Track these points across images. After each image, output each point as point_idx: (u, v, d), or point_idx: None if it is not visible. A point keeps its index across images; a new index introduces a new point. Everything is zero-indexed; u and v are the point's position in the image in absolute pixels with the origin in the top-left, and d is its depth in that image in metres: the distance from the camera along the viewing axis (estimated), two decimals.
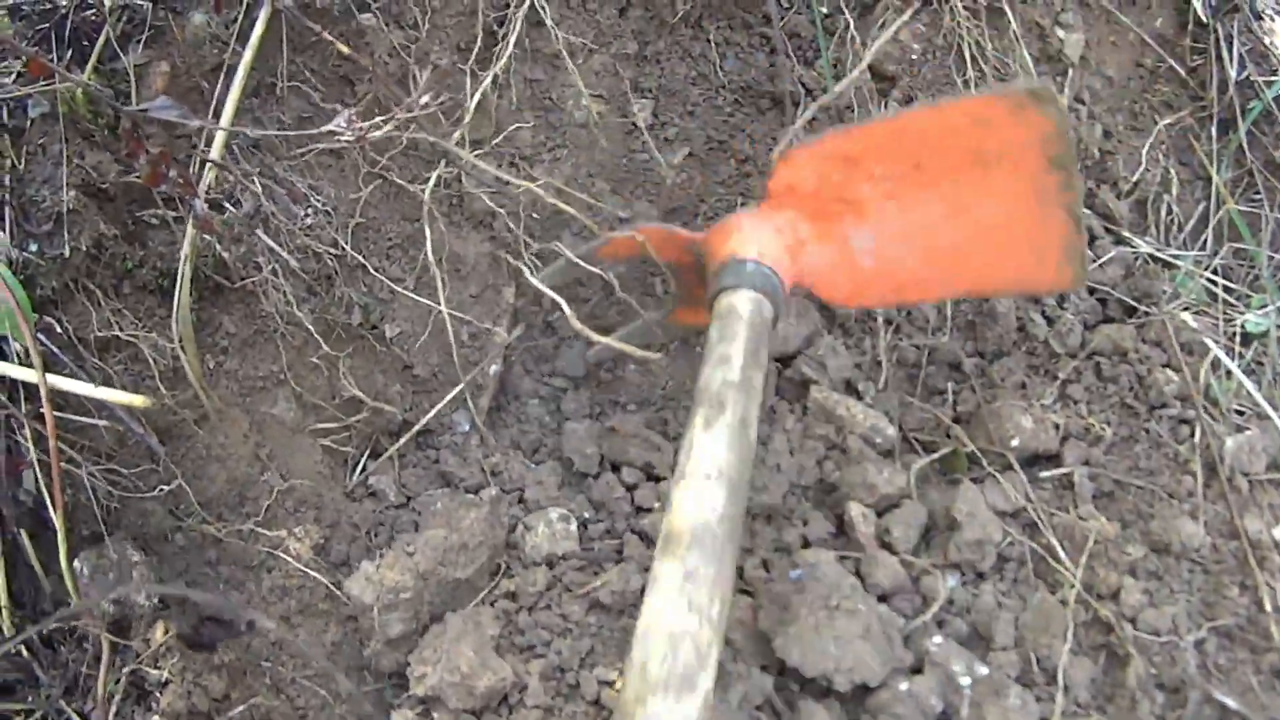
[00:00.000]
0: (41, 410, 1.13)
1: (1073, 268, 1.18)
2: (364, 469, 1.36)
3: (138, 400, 1.13)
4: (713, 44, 1.42)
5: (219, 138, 1.21)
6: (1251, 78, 1.43)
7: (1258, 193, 1.46)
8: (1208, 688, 1.22)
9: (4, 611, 1.19)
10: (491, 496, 1.30)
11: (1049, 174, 1.13)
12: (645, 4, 1.41)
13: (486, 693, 1.19)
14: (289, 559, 1.27)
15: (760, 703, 1.20)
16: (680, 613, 0.97)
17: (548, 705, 1.21)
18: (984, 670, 1.22)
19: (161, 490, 1.25)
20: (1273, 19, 1.43)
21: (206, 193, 1.19)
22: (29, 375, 1.13)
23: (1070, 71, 1.43)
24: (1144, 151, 1.44)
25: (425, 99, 1.11)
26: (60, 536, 1.15)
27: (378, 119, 1.06)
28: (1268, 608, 1.25)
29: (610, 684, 1.23)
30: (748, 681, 1.19)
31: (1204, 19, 1.44)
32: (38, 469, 1.19)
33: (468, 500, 1.30)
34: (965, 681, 1.21)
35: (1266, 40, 1.43)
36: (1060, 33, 1.42)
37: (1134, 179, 1.43)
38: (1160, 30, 1.47)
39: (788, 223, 1.17)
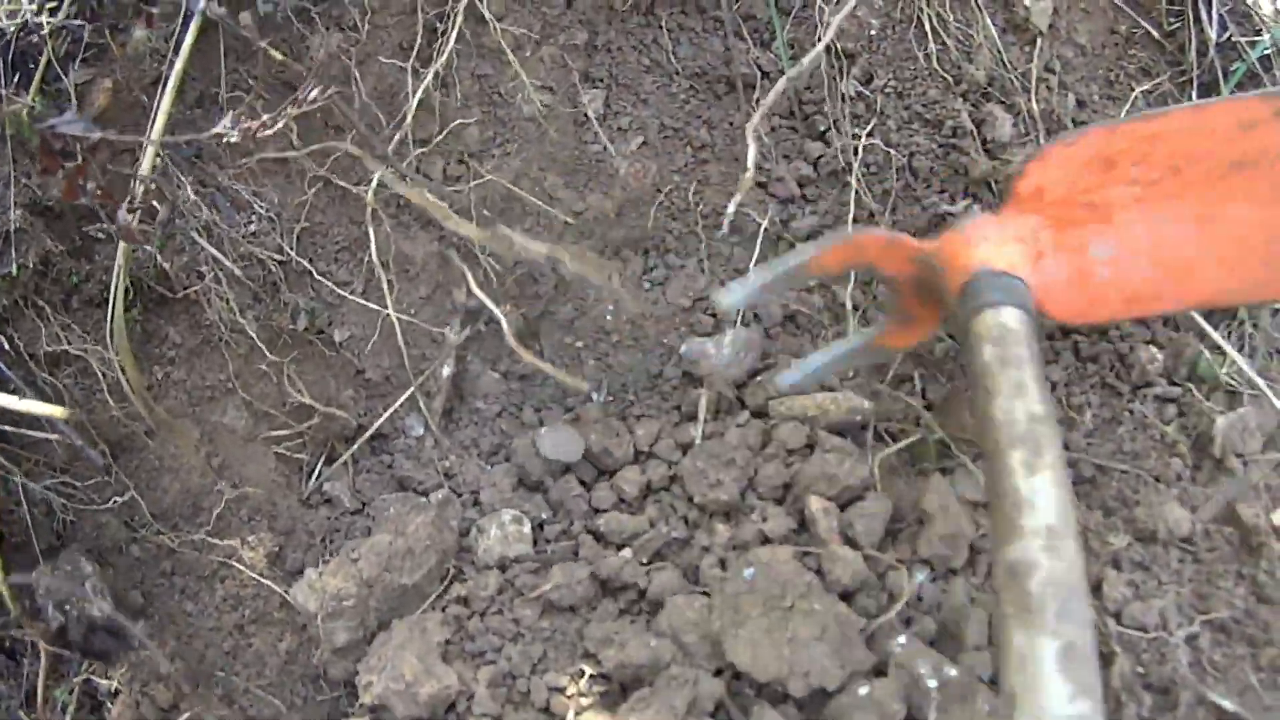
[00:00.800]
0: None
1: None
2: (318, 475, 1.28)
3: (57, 411, 1.08)
4: (665, 30, 1.32)
5: (149, 151, 1.14)
6: (1233, 39, 1.27)
7: None
8: (1201, 688, 1.07)
9: None
10: (439, 499, 1.21)
11: None
12: None
13: (431, 700, 1.10)
14: (242, 568, 1.20)
15: (713, 708, 1.08)
16: (1070, 700, 0.82)
17: (496, 713, 1.11)
18: (952, 672, 1.07)
19: (115, 502, 1.19)
20: None
21: (135, 203, 1.12)
22: None
23: (1038, 40, 1.29)
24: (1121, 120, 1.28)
25: (314, 93, 1.02)
26: None
27: (265, 117, 0.98)
28: (1267, 599, 1.09)
29: (561, 690, 1.12)
30: (697, 686, 1.07)
31: None
32: None
33: (416, 504, 1.21)
34: (932, 684, 1.07)
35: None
36: (1027, 1, 1.27)
37: None
38: None
39: (1030, 231, 1.03)
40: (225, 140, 1.00)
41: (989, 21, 1.27)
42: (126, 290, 1.16)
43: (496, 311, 1.20)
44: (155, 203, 1.14)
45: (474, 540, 1.22)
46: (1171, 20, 1.30)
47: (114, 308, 1.14)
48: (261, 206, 1.23)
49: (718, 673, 1.10)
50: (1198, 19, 1.28)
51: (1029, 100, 1.27)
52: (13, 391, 1.15)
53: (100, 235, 1.19)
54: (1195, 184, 1.01)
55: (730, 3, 1.29)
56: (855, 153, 1.26)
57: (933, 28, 1.27)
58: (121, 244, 1.13)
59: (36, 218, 1.16)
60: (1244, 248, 1.03)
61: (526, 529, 1.21)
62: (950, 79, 1.27)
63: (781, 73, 1.31)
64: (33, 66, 1.18)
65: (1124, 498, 1.14)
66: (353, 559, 1.16)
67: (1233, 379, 1.18)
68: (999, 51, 1.27)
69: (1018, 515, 0.88)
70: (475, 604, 1.18)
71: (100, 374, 1.18)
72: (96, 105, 1.19)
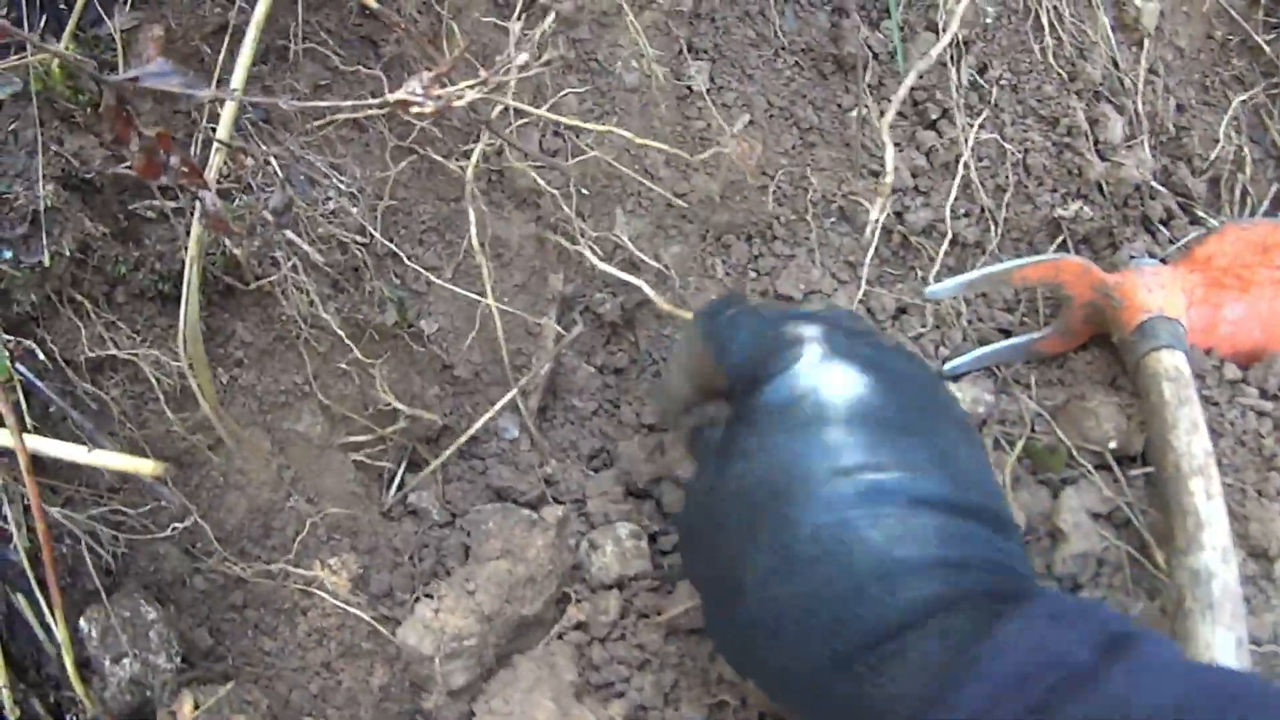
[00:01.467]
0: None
1: None
2: (401, 485, 1.06)
3: (147, 468, 0.80)
4: (771, 1, 1.13)
5: (228, 111, 0.87)
6: None
7: None
8: None
9: (4, 691, 0.87)
10: (558, 517, 1.02)
11: None
12: None
13: None
14: (325, 595, 0.98)
15: None
16: None
17: None
18: None
19: (175, 529, 0.93)
20: None
21: (215, 182, 0.86)
22: (4, 438, 0.80)
23: (1146, 42, 1.18)
24: (1220, 128, 1.20)
25: (524, 57, 0.79)
26: (59, 621, 0.84)
27: (464, 85, 0.75)
28: None
29: None
30: None
31: None
32: (24, 525, 0.87)
33: (527, 520, 1.01)
34: None
35: None
36: (1138, 1, 1.16)
37: (1210, 157, 1.20)
38: (1232, 1, 1.23)
39: (1191, 286, 1.11)
40: (416, 110, 0.75)
41: (1104, 18, 1.15)
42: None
43: (637, 280, 1.04)
44: (251, 181, 0.88)
45: (585, 557, 1.04)
46: (1269, 32, 1.22)
47: (188, 310, 0.87)
48: (341, 181, 0.98)
49: None
50: None
51: (1136, 102, 1.16)
52: (51, 413, 0.87)
53: (149, 214, 0.91)
54: None
55: None
56: (969, 144, 1.13)
57: (1049, 22, 1.14)
58: (195, 233, 0.87)
59: (72, 193, 0.88)
60: None
61: (644, 544, 1.04)
62: (1065, 75, 1.14)
63: (891, 54, 1.15)
64: (65, 8, 0.88)
65: (1232, 512, 1.09)
66: (469, 591, 0.96)
67: None
68: (1114, 50, 1.16)
69: (1199, 532, 0.99)
70: (596, 630, 1.01)
71: (154, 380, 0.92)
72: (145, 57, 0.90)
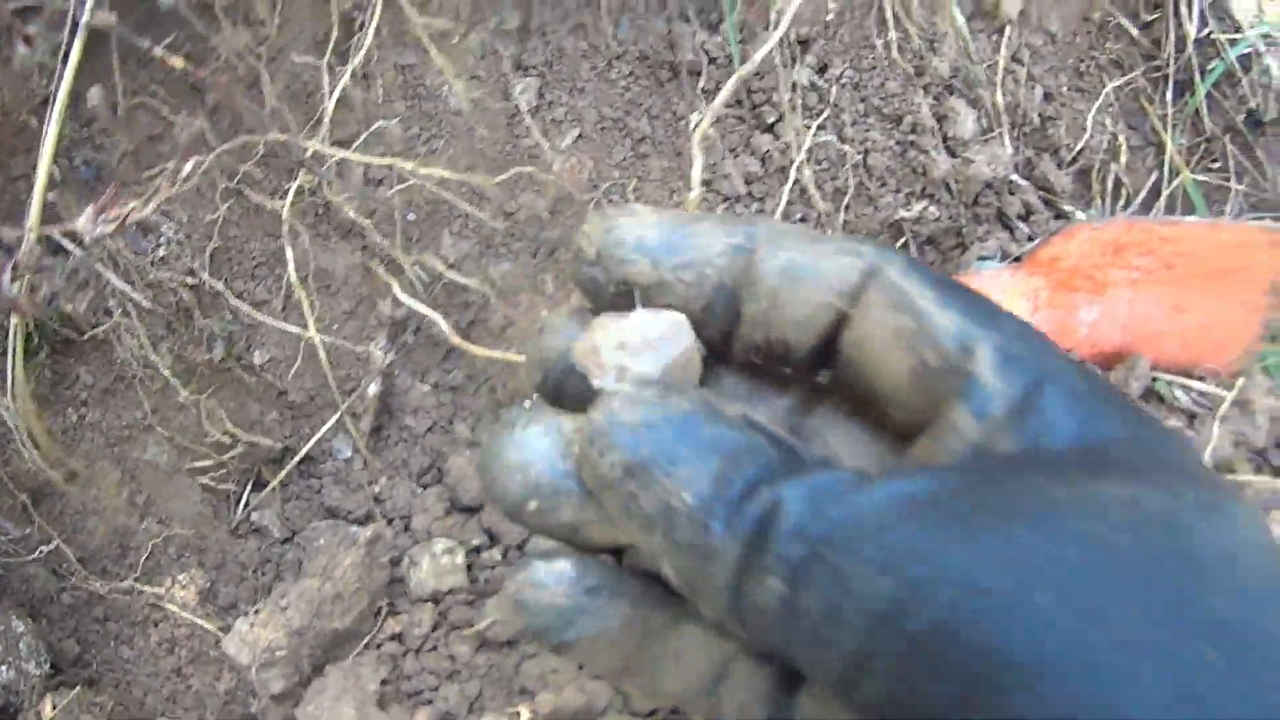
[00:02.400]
0: None
1: (1241, 362, 1.24)
2: (246, 504, 1.25)
3: None
4: (604, 10, 1.23)
5: (37, 193, 1.07)
6: (1213, 35, 1.20)
7: (1215, 160, 1.24)
8: None
9: None
10: (369, 536, 1.19)
11: (1267, 295, 1.20)
12: None
13: None
14: (175, 609, 1.19)
15: None
16: None
17: None
18: None
19: (41, 552, 1.16)
20: None
21: (19, 270, 1.06)
22: None
23: (1007, 29, 1.20)
24: (1090, 116, 1.22)
25: (189, 167, 0.95)
26: None
27: (134, 204, 0.91)
28: None
29: None
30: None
31: None
32: None
33: (345, 538, 1.19)
34: None
35: None
36: None
37: (1078, 147, 1.22)
38: None
39: (1034, 289, 1.20)
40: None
41: (955, 9, 1.19)
42: (29, 337, 1.11)
43: (432, 314, 1.17)
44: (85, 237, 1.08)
45: (406, 571, 1.21)
46: (1149, 12, 1.22)
47: (13, 369, 1.09)
48: (169, 227, 1.17)
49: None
50: (1176, 12, 1.20)
51: (994, 94, 1.20)
52: None
53: None
54: (1182, 280, 1.18)
55: None
56: (805, 149, 1.20)
57: (895, 14, 1.19)
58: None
59: None
60: (1204, 335, 1.21)
61: (460, 559, 1.20)
62: (911, 70, 1.19)
63: (729, 59, 1.23)
64: None
65: None
66: (282, 607, 1.15)
67: (1185, 398, 1.17)
68: (965, 41, 1.19)
69: None
70: (410, 641, 1.18)
71: (12, 425, 1.14)
72: None
